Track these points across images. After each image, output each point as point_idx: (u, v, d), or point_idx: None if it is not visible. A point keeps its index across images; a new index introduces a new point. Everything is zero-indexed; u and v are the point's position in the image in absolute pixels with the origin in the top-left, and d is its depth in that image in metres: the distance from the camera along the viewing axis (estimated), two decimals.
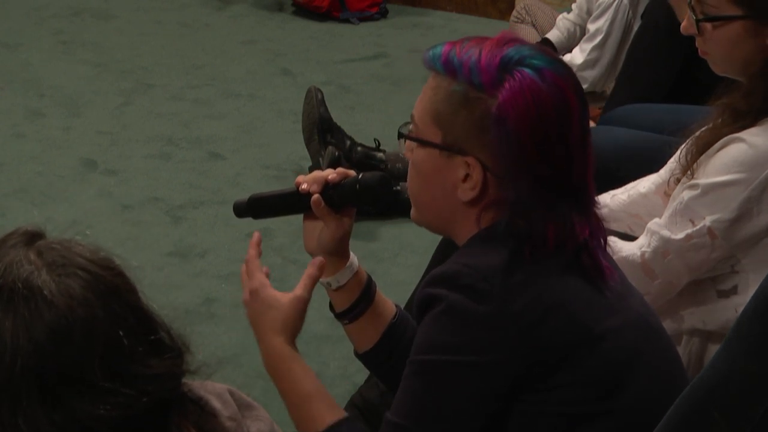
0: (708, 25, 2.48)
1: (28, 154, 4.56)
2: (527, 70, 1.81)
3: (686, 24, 2.53)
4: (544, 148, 1.80)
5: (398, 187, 3.80)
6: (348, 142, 4.21)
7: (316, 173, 2.09)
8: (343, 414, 1.95)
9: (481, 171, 1.83)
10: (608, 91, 4.26)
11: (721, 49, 2.51)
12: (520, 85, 1.80)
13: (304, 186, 2.08)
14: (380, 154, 4.21)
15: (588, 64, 4.34)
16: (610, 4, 4.30)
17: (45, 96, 5.09)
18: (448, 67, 1.84)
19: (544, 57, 1.84)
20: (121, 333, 1.30)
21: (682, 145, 2.52)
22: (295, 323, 2.02)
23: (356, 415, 2.33)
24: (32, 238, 1.36)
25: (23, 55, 5.53)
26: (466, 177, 1.85)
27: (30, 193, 4.25)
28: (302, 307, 2.02)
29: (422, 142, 1.89)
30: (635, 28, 4.23)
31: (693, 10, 2.50)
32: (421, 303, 1.85)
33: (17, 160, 4.50)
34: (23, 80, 5.24)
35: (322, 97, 4.28)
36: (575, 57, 4.35)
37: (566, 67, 1.87)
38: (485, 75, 1.81)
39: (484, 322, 1.78)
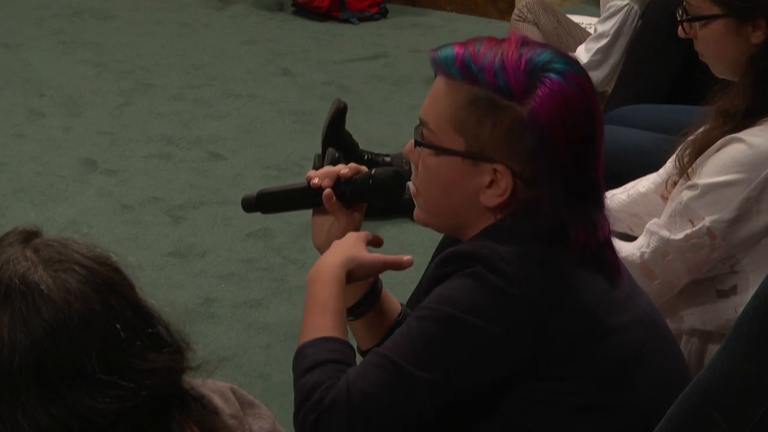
0: (696, 26, 2.52)
1: (28, 154, 4.56)
2: (554, 75, 1.80)
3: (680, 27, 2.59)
4: (577, 151, 1.81)
5: None
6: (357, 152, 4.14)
7: (328, 168, 2.08)
8: (347, 337, 1.92)
9: (511, 177, 1.82)
10: (609, 91, 4.24)
11: (710, 48, 2.55)
12: (551, 91, 1.79)
13: (315, 180, 2.07)
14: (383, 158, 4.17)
15: (592, 65, 4.30)
16: (620, 9, 4.27)
17: (45, 96, 5.09)
18: (467, 73, 1.82)
19: (562, 58, 1.83)
20: (118, 326, 1.31)
21: (679, 148, 2.53)
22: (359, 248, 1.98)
23: None
24: (29, 236, 1.37)
25: (23, 55, 5.53)
26: (491, 183, 1.84)
27: (30, 193, 4.25)
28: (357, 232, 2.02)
29: (445, 151, 1.86)
30: None
31: (678, 11, 2.55)
32: (447, 260, 1.82)
33: (17, 160, 4.50)
34: (23, 80, 5.24)
35: (340, 114, 4.13)
36: (580, 56, 4.30)
37: (580, 66, 1.87)
38: (514, 82, 1.79)
39: (502, 298, 1.77)
